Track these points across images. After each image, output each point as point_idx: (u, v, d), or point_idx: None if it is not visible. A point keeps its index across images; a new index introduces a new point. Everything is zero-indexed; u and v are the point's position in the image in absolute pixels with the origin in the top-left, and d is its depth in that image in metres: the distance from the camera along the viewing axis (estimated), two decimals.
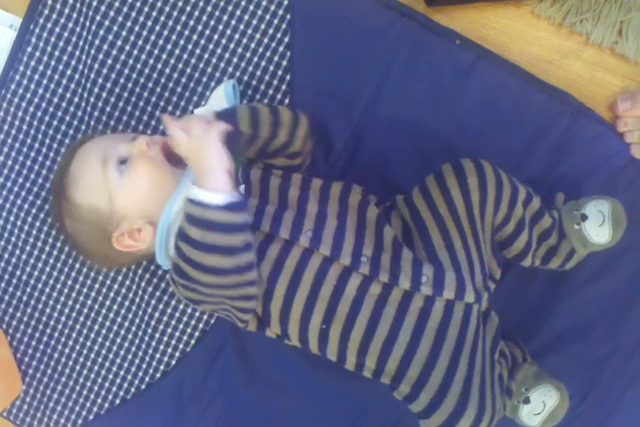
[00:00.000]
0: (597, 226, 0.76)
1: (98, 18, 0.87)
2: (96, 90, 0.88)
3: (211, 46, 0.87)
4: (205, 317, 0.90)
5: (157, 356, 0.91)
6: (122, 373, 0.92)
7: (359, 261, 0.70)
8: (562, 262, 0.79)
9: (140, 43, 0.87)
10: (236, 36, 0.86)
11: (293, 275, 0.69)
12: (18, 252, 0.92)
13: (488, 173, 0.73)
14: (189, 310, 0.90)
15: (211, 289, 0.68)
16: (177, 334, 0.90)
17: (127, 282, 0.91)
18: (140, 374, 0.92)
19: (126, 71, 0.88)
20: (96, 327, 0.92)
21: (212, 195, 0.63)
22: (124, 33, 0.87)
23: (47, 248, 0.91)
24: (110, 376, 0.92)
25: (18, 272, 0.92)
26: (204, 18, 0.87)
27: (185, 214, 0.65)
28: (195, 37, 0.87)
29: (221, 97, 0.80)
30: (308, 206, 0.74)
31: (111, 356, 0.92)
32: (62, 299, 0.92)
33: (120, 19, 0.87)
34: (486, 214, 0.73)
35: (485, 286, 0.73)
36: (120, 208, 0.73)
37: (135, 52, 0.88)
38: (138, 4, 0.87)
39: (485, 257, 0.74)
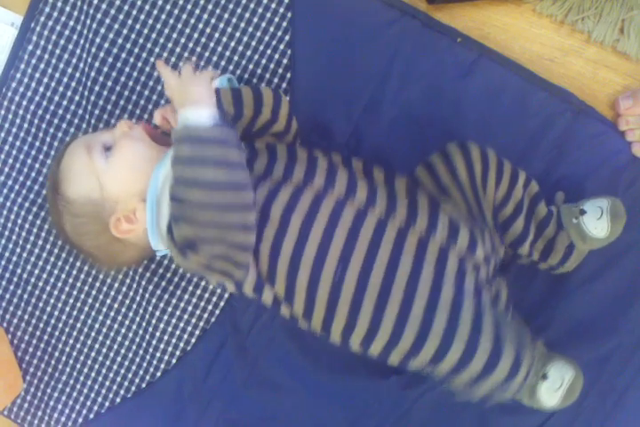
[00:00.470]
0: (596, 219, 0.76)
1: (99, 16, 0.87)
2: (97, 88, 0.88)
3: (212, 44, 0.87)
4: (206, 315, 0.90)
5: (158, 354, 0.91)
6: (122, 371, 0.92)
7: (374, 202, 0.69)
8: (561, 259, 0.79)
9: (141, 41, 0.87)
10: (237, 34, 0.86)
11: (306, 215, 0.67)
12: (19, 250, 0.92)
13: (490, 152, 0.75)
14: (190, 308, 0.89)
15: (206, 211, 0.63)
16: (178, 332, 0.90)
17: (128, 280, 0.91)
18: (141, 372, 0.92)
19: (127, 69, 0.88)
20: (97, 326, 0.92)
21: (198, 112, 0.64)
22: (124, 31, 0.87)
23: (48, 246, 0.91)
24: (111, 375, 0.92)
25: (19, 270, 0.92)
26: (205, 16, 0.86)
27: (174, 140, 0.65)
28: (195, 35, 0.87)
29: None
30: (318, 162, 0.73)
31: (112, 354, 0.92)
32: (63, 297, 0.92)
33: (121, 17, 0.87)
34: (488, 187, 0.74)
35: (493, 249, 0.73)
36: (111, 191, 0.73)
37: (136, 50, 0.88)
38: (139, 2, 0.87)
39: (490, 225, 0.74)
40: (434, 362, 0.67)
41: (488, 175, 0.74)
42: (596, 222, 0.76)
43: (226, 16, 0.86)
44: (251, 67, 0.87)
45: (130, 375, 0.92)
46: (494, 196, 0.75)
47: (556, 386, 0.75)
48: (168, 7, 0.87)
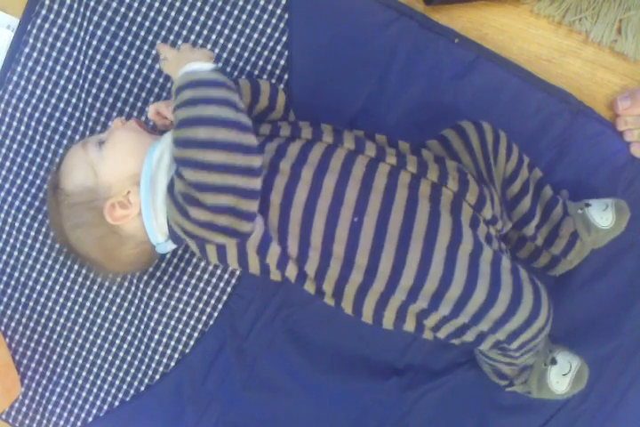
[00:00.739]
0: (601, 210, 0.78)
1: (95, 18, 0.87)
2: (93, 90, 0.88)
3: (208, 46, 0.87)
4: (204, 317, 0.89)
5: (156, 357, 0.90)
6: (121, 374, 0.92)
7: (385, 152, 0.70)
8: (564, 247, 0.79)
9: (138, 43, 0.87)
10: (234, 36, 0.86)
11: (318, 166, 0.67)
12: (16, 253, 0.91)
13: (500, 130, 0.77)
14: (189, 310, 0.89)
15: (211, 149, 0.60)
16: (176, 335, 0.90)
17: (126, 283, 0.90)
18: (139, 375, 0.91)
19: (124, 72, 0.88)
20: (94, 329, 0.91)
21: (197, 64, 0.65)
22: (121, 33, 0.87)
23: (45, 249, 0.91)
24: (109, 378, 0.92)
25: (16, 273, 0.92)
26: (202, 18, 0.86)
27: (175, 90, 0.65)
28: (192, 37, 0.87)
29: None
30: (323, 126, 0.74)
31: (110, 357, 0.92)
32: (61, 300, 0.91)
33: (117, 19, 0.87)
34: (499, 155, 0.75)
35: (500, 215, 0.73)
36: (104, 177, 0.73)
37: (133, 52, 0.87)
38: (135, 5, 0.87)
39: (499, 195, 0.74)
40: (456, 311, 0.65)
41: (499, 145, 0.76)
42: (602, 213, 0.77)
43: (222, 18, 0.86)
44: (248, 68, 0.87)
45: (128, 379, 0.92)
46: (504, 167, 0.76)
47: (564, 371, 0.76)
48: (165, 9, 0.86)
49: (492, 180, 0.74)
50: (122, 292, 0.91)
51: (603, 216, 0.77)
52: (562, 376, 0.76)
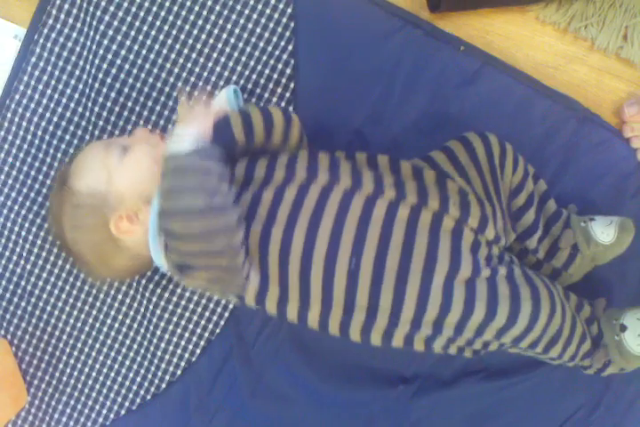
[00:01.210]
0: (604, 226, 0.77)
1: (101, 28, 0.87)
2: (100, 99, 0.88)
3: (215, 55, 0.87)
4: (211, 326, 0.89)
5: (162, 366, 0.90)
6: (127, 383, 0.92)
7: (382, 186, 0.69)
8: (566, 260, 0.79)
9: (144, 52, 0.87)
10: (240, 45, 0.86)
11: (315, 211, 0.67)
12: (22, 262, 0.91)
13: (506, 142, 0.77)
14: (195, 318, 0.89)
15: (189, 241, 0.64)
16: (182, 343, 0.90)
17: (131, 292, 0.90)
18: (146, 384, 0.91)
19: (130, 80, 0.88)
20: (101, 337, 0.91)
21: (178, 143, 0.66)
22: (127, 42, 0.87)
23: (51, 258, 0.91)
24: (115, 387, 0.92)
25: (22, 282, 0.92)
26: (208, 26, 0.87)
27: (161, 172, 0.66)
28: (198, 46, 0.87)
29: (223, 103, 0.80)
30: (319, 158, 0.73)
31: (116, 366, 0.92)
32: (67, 309, 0.91)
33: (124, 28, 0.87)
34: (506, 168, 0.75)
35: (504, 231, 0.73)
36: (119, 188, 0.73)
37: (139, 61, 0.88)
38: (141, 14, 0.87)
39: (504, 209, 0.74)
40: (459, 331, 0.67)
41: (506, 158, 0.76)
42: (604, 228, 0.77)
43: (228, 26, 0.86)
44: (254, 77, 0.87)
45: (135, 387, 0.91)
46: (510, 180, 0.76)
47: (639, 331, 0.73)
48: (171, 18, 0.87)
49: (497, 193, 0.74)
50: (127, 300, 0.91)
51: (604, 231, 0.77)
52: (638, 337, 0.73)
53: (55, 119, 0.89)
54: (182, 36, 0.87)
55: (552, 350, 0.70)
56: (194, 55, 0.87)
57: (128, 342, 0.91)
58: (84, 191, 0.74)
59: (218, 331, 0.89)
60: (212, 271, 0.67)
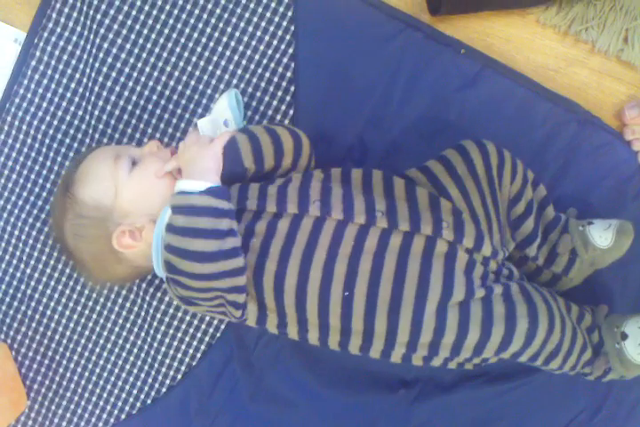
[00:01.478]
0: (602, 229, 0.76)
1: (102, 31, 0.87)
2: (100, 103, 0.88)
3: (215, 58, 0.87)
4: (211, 330, 0.89)
5: (163, 370, 0.90)
6: (127, 387, 0.91)
7: (374, 217, 0.68)
8: (565, 266, 0.79)
9: (144, 55, 0.87)
10: (241, 48, 0.86)
11: (307, 244, 0.67)
12: (22, 266, 0.91)
13: (505, 150, 0.76)
14: (195, 322, 0.89)
15: (200, 281, 0.66)
16: (182, 347, 0.89)
17: (132, 296, 0.90)
18: (146, 388, 0.91)
19: (130, 84, 0.88)
20: (101, 341, 0.91)
21: (194, 182, 0.66)
22: (127, 45, 0.87)
23: (51, 262, 0.91)
24: (115, 391, 0.91)
25: (22, 286, 0.91)
26: (208, 30, 0.87)
27: (171, 207, 0.67)
28: (199, 49, 0.87)
29: (224, 107, 0.80)
30: (312, 182, 0.73)
31: (116, 370, 0.91)
32: (67, 313, 0.91)
33: (124, 31, 0.87)
34: (504, 178, 0.74)
35: (502, 244, 0.72)
36: (124, 203, 0.73)
37: (139, 64, 0.88)
38: (142, 17, 0.87)
39: (503, 220, 0.74)
40: (455, 352, 0.68)
41: (504, 168, 0.75)
42: (602, 232, 0.76)
43: (229, 30, 0.86)
44: (254, 80, 0.87)
45: (135, 391, 0.91)
46: (509, 189, 0.75)
47: (638, 341, 0.73)
48: (171, 22, 0.87)
49: (495, 204, 0.73)
50: (127, 304, 0.90)
51: (602, 235, 0.76)
52: (638, 346, 0.72)
53: (55, 123, 0.89)
54: (182, 39, 0.87)
55: (552, 362, 0.70)
56: (194, 58, 0.87)
57: (128, 346, 0.91)
58: (89, 202, 0.74)
59: (218, 335, 0.89)
60: (213, 303, 0.69)
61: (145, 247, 0.73)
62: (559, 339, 0.68)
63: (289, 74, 0.86)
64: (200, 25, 0.87)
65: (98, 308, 0.91)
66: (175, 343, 0.89)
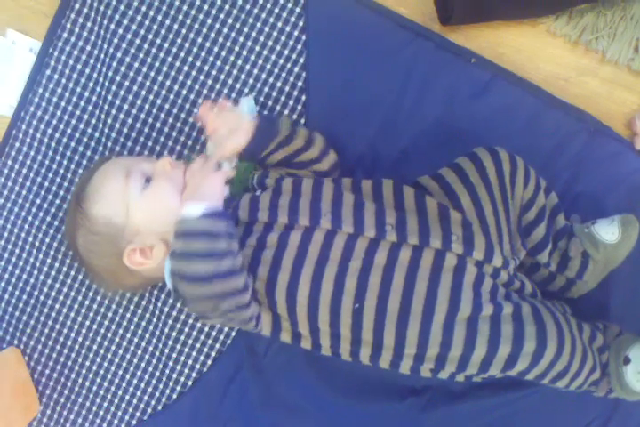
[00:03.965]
0: (607, 225, 0.77)
1: (115, 41, 0.88)
2: (114, 111, 0.89)
3: (227, 67, 0.88)
4: (222, 337, 0.89)
5: (173, 376, 0.90)
6: (138, 393, 0.92)
7: (384, 231, 0.69)
8: (579, 269, 0.79)
9: (157, 64, 0.88)
10: (253, 58, 0.87)
11: (319, 257, 0.68)
12: (36, 272, 0.92)
13: (517, 157, 0.76)
14: (206, 329, 0.89)
15: (204, 302, 0.67)
16: (193, 353, 0.90)
17: (143, 302, 0.91)
18: (157, 394, 0.91)
19: (143, 93, 0.89)
20: (113, 347, 0.92)
21: (191, 206, 0.66)
22: (141, 55, 0.88)
23: (64, 269, 0.91)
24: (127, 397, 0.92)
25: (35, 292, 0.92)
26: (221, 39, 0.87)
27: (174, 233, 0.67)
28: (211, 59, 0.88)
29: (244, 112, 0.81)
30: (323, 192, 0.73)
31: (128, 376, 0.92)
32: (79, 319, 0.92)
33: (137, 41, 0.88)
34: (516, 185, 0.75)
35: (513, 254, 0.73)
36: (135, 222, 0.74)
37: (152, 73, 0.89)
38: (155, 27, 0.88)
39: (513, 228, 0.74)
40: (462, 367, 0.68)
41: (517, 175, 0.75)
42: (607, 227, 0.77)
43: (241, 39, 0.87)
44: (266, 89, 0.87)
45: (146, 397, 0.92)
46: (522, 196, 0.76)
47: (639, 368, 0.72)
48: (183, 31, 0.88)
49: (507, 212, 0.74)
50: (139, 311, 0.91)
51: (608, 231, 0.77)
52: (639, 373, 0.72)
53: (69, 131, 0.90)
54: (195, 49, 0.88)
55: (559, 382, 0.71)
56: (207, 68, 0.88)
57: (139, 352, 0.92)
58: (100, 220, 0.75)
59: (229, 342, 0.89)
60: (223, 317, 0.69)
61: (156, 264, 0.75)
62: (567, 361, 0.68)
63: (300, 83, 0.87)
64: (212, 35, 0.87)
65: (109, 314, 0.91)
66: (186, 350, 0.90)
